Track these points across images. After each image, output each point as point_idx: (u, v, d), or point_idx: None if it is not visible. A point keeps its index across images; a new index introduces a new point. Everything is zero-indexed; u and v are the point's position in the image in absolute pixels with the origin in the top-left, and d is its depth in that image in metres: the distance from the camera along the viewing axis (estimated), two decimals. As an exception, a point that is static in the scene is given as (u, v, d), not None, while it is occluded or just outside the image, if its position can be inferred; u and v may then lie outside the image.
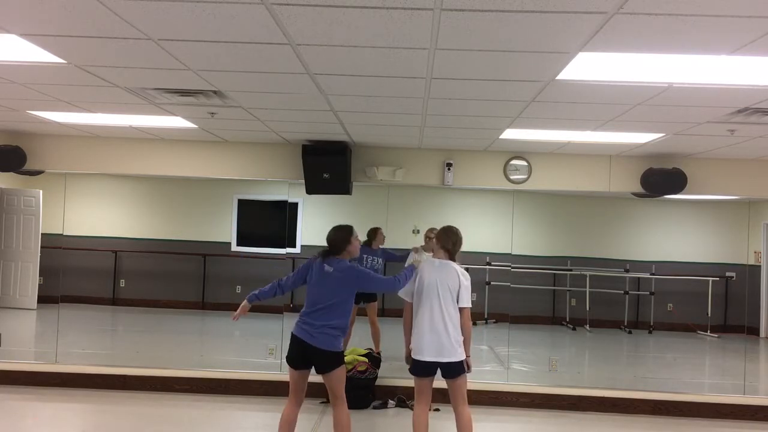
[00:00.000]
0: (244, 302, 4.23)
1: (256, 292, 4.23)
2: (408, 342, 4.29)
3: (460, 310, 4.17)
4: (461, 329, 4.16)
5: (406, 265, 4.40)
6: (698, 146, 5.82)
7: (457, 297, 4.17)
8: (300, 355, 4.09)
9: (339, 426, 4.14)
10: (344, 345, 4.45)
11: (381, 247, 7.03)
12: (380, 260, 6.86)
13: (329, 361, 4.08)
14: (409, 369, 4.25)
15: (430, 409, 4.37)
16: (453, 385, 4.16)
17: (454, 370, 4.12)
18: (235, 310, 4.23)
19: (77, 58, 3.55)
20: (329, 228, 4.29)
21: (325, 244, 4.26)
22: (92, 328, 9.48)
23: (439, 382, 4.23)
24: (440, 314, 4.13)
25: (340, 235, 4.23)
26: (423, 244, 5.98)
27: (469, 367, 4.20)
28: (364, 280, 4.22)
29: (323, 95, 4.27)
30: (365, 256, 6.78)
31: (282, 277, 4.34)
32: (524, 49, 3.07)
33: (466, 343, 4.19)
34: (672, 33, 2.75)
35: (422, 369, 4.16)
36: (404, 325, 4.31)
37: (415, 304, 4.24)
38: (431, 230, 4.30)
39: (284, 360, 4.19)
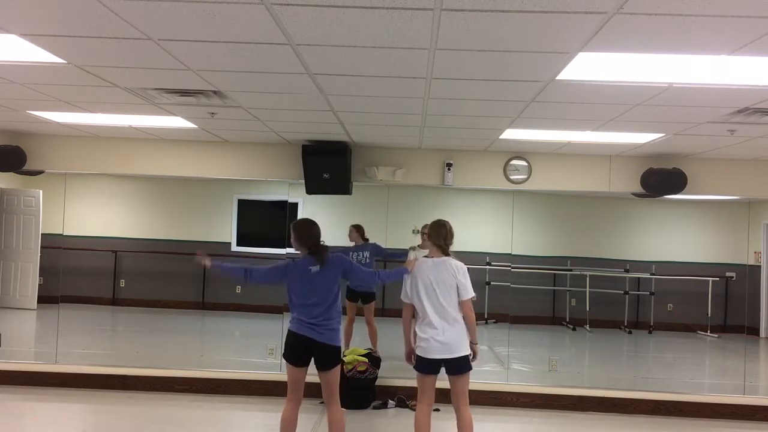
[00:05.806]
0: (209, 261, 4.37)
1: (221, 263, 4.36)
2: (408, 341, 4.33)
3: (462, 303, 4.17)
4: (465, 320, 4.18)
5: (406, 264, 4.39)
6: (698, 146, 5.82)
7: (458, 291, 4.18)
8: (304, 352, 4.11)
9: (335, 425, 4.16)
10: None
11: (372, 242, 7.04)
12: (366, 254, 6.88)
13: (334, 356, 4.15)
14: (415, 366, 4.25)
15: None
16: (457, 383, 4.16)
17: (461, 366, 4.13)
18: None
19: (77, 58, 3.55)
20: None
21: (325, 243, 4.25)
22: (92, 328, 9.48)
23: (441, 382, 4.22)
24: (441, 312, 4.13)
25: (318, 229, 4.22)
26: (420, 243, 5.98)
27: (475, 355, 4.22)
28: (349, 270, 4.25)
29: (323, 95, 4.27)
30: (351, 252, 6.81)
31: (252, 266, 4.34)
32: (524, 49, 3.07)
33: (471, 332, 4.22)
34: (672, 33, 2.75)
35: (428, 366, 4.17)
36: (403, 325, 4.35)
37: (416, 305, 4.24)
38: (425, 227, 4.36)
39: (284, 360, 4.20)
